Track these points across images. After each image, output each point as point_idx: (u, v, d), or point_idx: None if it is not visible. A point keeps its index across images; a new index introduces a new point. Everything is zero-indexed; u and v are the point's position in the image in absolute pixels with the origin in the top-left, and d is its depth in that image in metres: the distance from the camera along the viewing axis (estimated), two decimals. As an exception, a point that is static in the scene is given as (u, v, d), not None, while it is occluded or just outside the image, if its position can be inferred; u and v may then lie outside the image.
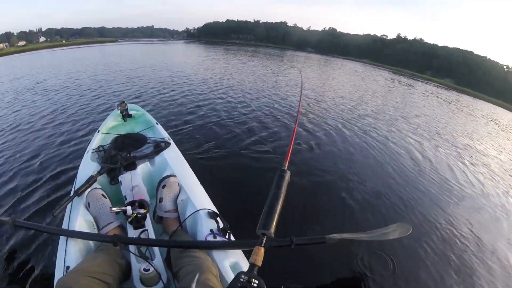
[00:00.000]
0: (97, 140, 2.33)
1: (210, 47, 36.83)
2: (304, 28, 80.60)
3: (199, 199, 1.54)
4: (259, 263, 0.76)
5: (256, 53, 28.25)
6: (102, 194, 1.52)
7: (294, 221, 2.44)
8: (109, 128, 2.58)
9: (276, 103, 6.60)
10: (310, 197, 2.87)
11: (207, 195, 1.64)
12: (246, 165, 3.27)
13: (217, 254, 1.20)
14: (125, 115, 2.69)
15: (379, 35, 63.12)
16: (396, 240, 1.81)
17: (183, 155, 2.09)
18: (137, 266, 1.18)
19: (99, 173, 1.73)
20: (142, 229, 1.39)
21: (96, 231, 1.42)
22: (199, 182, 1.75)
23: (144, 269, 1.08)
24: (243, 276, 0.59)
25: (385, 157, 4.21)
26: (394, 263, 2.08)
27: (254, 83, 9.22)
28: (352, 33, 71.01)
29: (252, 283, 0.58)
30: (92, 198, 1.48)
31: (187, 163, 1.95)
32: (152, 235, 1.38)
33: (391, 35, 68.84)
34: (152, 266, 1.10)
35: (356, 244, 2.12)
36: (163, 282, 1.12)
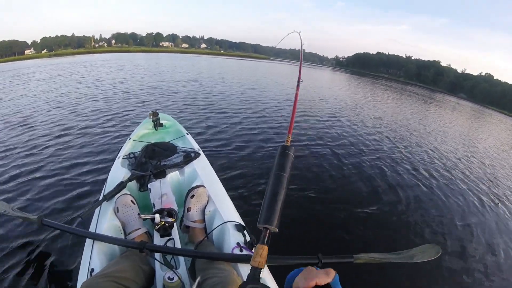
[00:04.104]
0: (128, 147, 2.38)
1: (357, 77, 37.79)
2: (459, 70, 72.67)
3: (227, 211, 1.51)
4: (263, 265, 0.63)
5: (403, 91, 26.71)
6: (132, 201, 1.52)
7: (318, 235, 2.49)
8: (140, 136, 2.64)
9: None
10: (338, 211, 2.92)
11: (234, 207, 1.61)
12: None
13: (243, 268, 1.17)
14: (157, 124, 2.74)
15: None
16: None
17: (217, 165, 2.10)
18: (161, 274, 1.17)
19: (129, 179, 1.74)
20: (169, 238, 1.38)
21: (122, 236, 1.42)
22: (227, 194, 1.72)
23: (169, 278, 1.06)
24: (249, 286, 0.53)
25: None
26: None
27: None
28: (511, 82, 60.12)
29: None
30: (121, 203, 1.48)
31: (216, 175, 1.94)
32: (178, 244, 1.37)
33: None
34: (177, 275, 1.08)
35: (383, 265, 2.03)
36: None
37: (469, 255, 2.63)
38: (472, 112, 22.87)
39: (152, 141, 2.37)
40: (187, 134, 2.65)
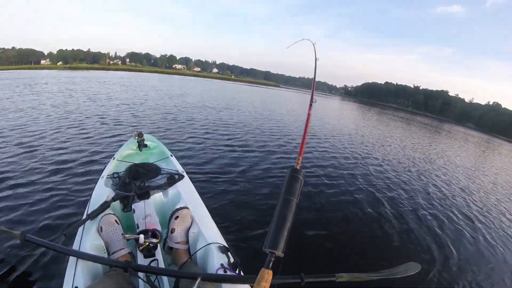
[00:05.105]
0: (112, 166, 2.39)
1: (368, 107, 38.89)
2: (466, 100, 73.61)
3: (211, 233, 1.55)
4: None
5: (413, 122, 27.13)
6: (116, 220, 1.53)
7: (301, 254, 2.54)
8: (124, 156, 2.65)
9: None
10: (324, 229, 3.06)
11: (218, 229, 1.65)
12: (259, 205, 3.38)
13: None
14: (141, 145, 2.78)
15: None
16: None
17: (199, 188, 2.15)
18: None
19: (113, 199, 1.75)
20: (153, 259, 1.40)
21: (106, 256, 1.42)
22: (210, 216, 1.76)
23: None
24: None
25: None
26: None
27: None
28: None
29: None
30: (105, 223, 1.49)
31: (199, 197, 1.98)
32: (161, 265, 1.39)
33: None
34: None
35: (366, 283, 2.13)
36: None
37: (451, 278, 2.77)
38: (485, 144, 22.76)
39: (136, 162, 2.39)
40: (171, 156, 2.69)
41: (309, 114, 1.31)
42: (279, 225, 0.74)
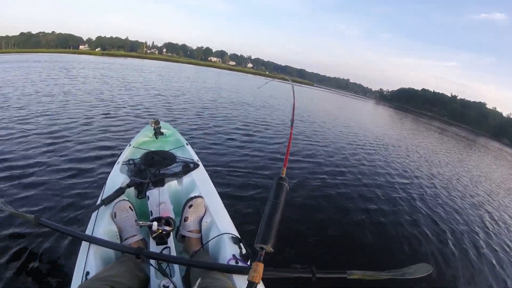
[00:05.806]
0: (128, 153, 2.40)
1: (404, 114, 39.17)
2: (504, 114, 71.32)
3: (224, 223, 1.53)
4: (258, 280, 0.73)
5: (448, 132, 26.23)
6: (130, 207, 1.54)
7: (313, 251, 2.56)
8: (140, 143, 2.66)
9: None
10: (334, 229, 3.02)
11: (231, 220, 1.63)
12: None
13: (238, 279, 1.18)
14: (157, 133, 2.78)
15: None
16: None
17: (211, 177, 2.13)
18: (156, 281, 1.19)
19: (128, 185, 1.76)
20: (165, 246, 1.40)
21: (118, 242, 1.43)
22: (224, 207, 1.74)
23: (164, 286, 1.08)
24: None
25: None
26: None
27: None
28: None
29: None
30: (120, 209, 1.50)
31: (214, 187, 1.96)
32: (173, 253, 1.39)
33: None
34: (172, 283, 1.09)
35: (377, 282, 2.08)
36: None
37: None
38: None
39: (152, 149, 2.40)
40: (187, 144, 2.68)
41: (291, 133, 1.51)
42: (268, 225, 0.86)
